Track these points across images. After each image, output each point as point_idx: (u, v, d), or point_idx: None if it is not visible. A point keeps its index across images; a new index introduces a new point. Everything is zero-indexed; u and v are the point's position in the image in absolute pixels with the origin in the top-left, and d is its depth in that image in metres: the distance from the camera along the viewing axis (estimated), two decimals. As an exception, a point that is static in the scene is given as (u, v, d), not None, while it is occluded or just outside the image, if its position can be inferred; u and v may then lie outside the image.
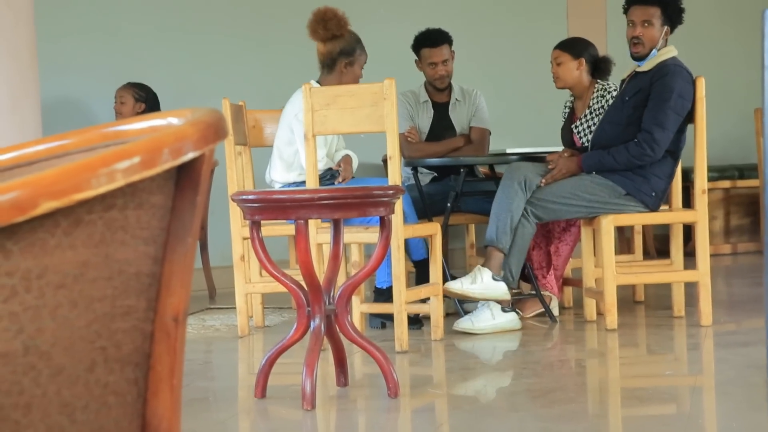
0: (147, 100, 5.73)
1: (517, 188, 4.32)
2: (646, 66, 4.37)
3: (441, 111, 5.15)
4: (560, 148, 4.99)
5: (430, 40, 5.05)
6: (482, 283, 4.25)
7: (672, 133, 4.30)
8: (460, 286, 4.23)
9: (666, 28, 4.39)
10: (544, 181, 4.40)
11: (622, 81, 4.52)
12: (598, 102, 4.80)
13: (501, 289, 4.30)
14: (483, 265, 4.32)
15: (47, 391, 1.03)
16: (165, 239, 1.11)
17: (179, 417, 1.14)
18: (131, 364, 1.10)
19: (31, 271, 1.00)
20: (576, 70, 4.78)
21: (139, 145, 1.06)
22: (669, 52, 4.38)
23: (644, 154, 4.29)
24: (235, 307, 4.65)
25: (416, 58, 5.13)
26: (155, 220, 1.10)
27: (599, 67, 4.80)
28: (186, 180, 1.12)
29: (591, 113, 4.81)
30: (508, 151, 5.10)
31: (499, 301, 4.35)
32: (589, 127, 4.82)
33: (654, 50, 4.38)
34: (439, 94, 5.18)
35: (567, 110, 4.99)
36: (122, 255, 1.07)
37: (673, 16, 4.39)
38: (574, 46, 4.80)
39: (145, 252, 1.09)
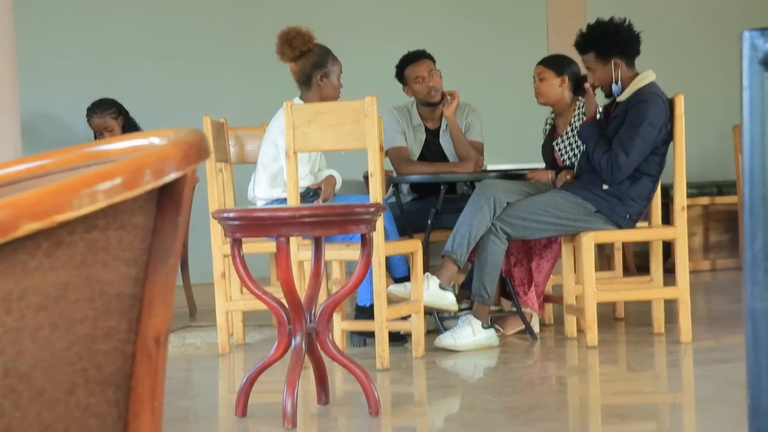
0: (120, 111, 5.70)
1: (483, 204, 4.34)
2: (624, 95, 4.41)
3: (432, 137, 5.13)
4: (540, 165, 5.01)
5: (410, 57, 5.06)
6: (428, 290, 4.26)
7: (636, 160, 4.33)
8: (402, 289, 4.24)
9: (613, 61, 4.39)
10: (529, 174, 4.46)
11: (605, 107, 4.56)
12: (579, 119, 4.82)
13: (447, 299, 4.32)
14: (433, 273, 4.34)
15: (27, 414, 1.02)
16: (146, 260, 1.11)
17: (160, 438, 1.14)
18: (112, 386, 1.09)
19: (12, 293, 1.00)
20: (559, 87, 4.81)
21: (121, 166, 1.06)
22: (645, 78, 4.39)
23: (607, 171, 4.34)
24: (215, 325, 4.63)
25: (403, 85, 5.08)
26: (137, 241, 1.09)
27: (581, 85, 4.83)
28: (168, 200, 1.12)
29: (572, 130, 4.84)
30: (488, 167, 5.11)
31: (479, 317, 4.36)
32: (570, 144, 4.85)
33: (615, 85, 4.39)
34: (431, 119, 5.12)
35: (548, 127, 5.01)
36: (104, 276, 1.07)
37: (608, 51, 4.38)
38: (558, 63, 4.83)
39: (127, 273, 1.09)
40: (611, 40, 4.38)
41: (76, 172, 1.30)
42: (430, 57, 5.05)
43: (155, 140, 1.19)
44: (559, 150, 4.89)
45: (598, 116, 4.60)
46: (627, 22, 4.44)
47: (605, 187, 4.40)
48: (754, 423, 1.19)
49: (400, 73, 5.05)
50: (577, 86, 4.85)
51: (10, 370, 1.00)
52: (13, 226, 0.97)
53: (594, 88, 4.59)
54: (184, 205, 1.13)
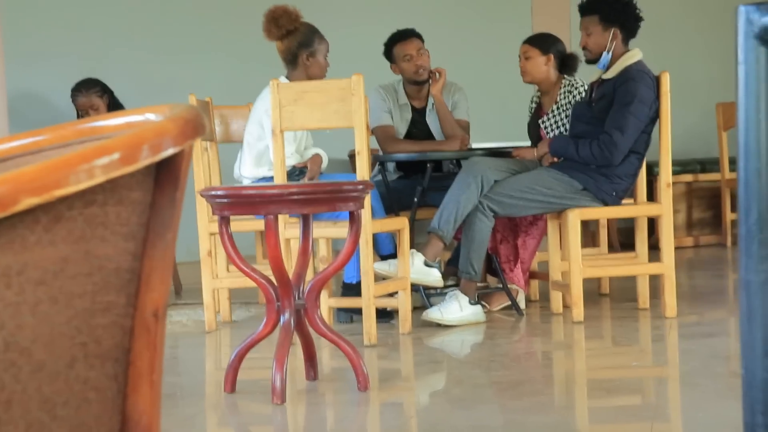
0: (105, 90, 5.66)
1: (470, 182, 4.35)
2: (610, 73, 4.42)
3: (419, 116, 5.12)
4: (526, 143, 5.02)
5: (399, 35, 5.05)
6: (413, 266, 4.28)
7: (632, 137, 4.34)
8: (387, 267, 4.26)
9: (613, 30, 4.41)
10: (514, 152, 4.49)
11: (591, 84, 4.57)
12: (565, 97, 4.83)
13: (433, 276, 4.34)
14: (418, 250, 4.35)
15: (27, 387, 1.02)
16: (145, 235, 1.11)
17: (159, 412, 1.14)
18: (111, 360, 1.10)
19: (11, 267, 1.00)
20: (544, 65, 4.81)
21: (119, 141, 1.06)
22: (633, 57, 4.41)
23: (603, 156, 4.34)
24: (201, 303, 4.64)
25: (391, 63, 5.07)
26: (135, 216, 1.10)
27: (566, 64, 4.84)
28: (165, 176, 1.12)
29: (557, 108, 4.85)
30: (474, 146, 5.11)
31: (466, 293, 4.38)
32: (556, 122, 4.86)
33: (606, 54, 4.41)
34: (418, 97, 5.12)
35: (534, 105, 5.02)
36: (102, 251, 1.07)
37: (614, 18, 4.40)
38: (543, 42, 4.83)
39: (125, 248, 1.09)
40: (619, 8, 4.41)
41: (70, 148, 1.29)
42: (418, 36, 5.04)
43: (151, 116, 1.19)
44: (545, 128, 4.90)
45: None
46: (636, 2, 4.46)
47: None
48: (749, 395, 1.21)
49: (389, 50, 5.04)
50: (563, 64, 4.85)
51: (10, 344, 1.00)
52: (12, 201, 0.97)
53: (583, 51, 4.54)
54: (181, 180, 1.13)
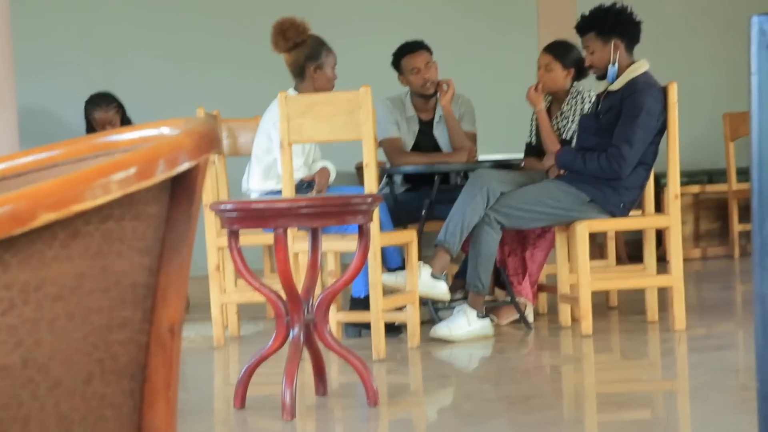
0: (120, 105, 5.67)
1: (476, 194, 4.35)
2: (617, 84, 4.42)
3: (426, 128, 5.13)
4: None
5: (408, 47, 5.04)
6: (420, 279, 4.26)
7: (640, 150, 4.34)
8: (394, 279, 4.25)
9: (614, 42, 4.40)
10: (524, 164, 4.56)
11: (598, 96, 4.56)
12: (568, 104, 4.84)
13: (440, 289, 4.33)
14: (426, 263, 4.35)
15: (45, 404, 1.02)
16: (160, 250, 1.11)
17: (175, 428, 1.14)
18: (127, 376, 1.09)
19: (29, 283, 1.00)
20: (563, 78, 4.82)
21: (135, 156, 1.06)
22: (639, 68, 4.41)
23: (611, 169, 4.33)
24: (210, 318, 4.63)
25: (399, 74, 5.07)
26: (151, 230, 1.10)
27: (582, 72, 4.85)
28: (181, 190, 1.12)
29: (561, 115, 4.86)
30: (481, 158, 5.11)
31: (474, 307, 4.37)
32: (559, 129, 4.86)
33: (612, 66, 4.41)
34: (425, 110, 5.12)
35: (534, 124, 5.02)
36: (119, 266, 1.07)
37: (610, 29, 4.40)
38: (567, 55, 4.81)
39: (141, 263, 1.09)
40: (614, 19, 4.40)
41: (85, 163, 1.30)
42: (427, 48, 5.04)
43: (166, 130, 1.19)
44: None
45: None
46: (629, 8, 4.46)
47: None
48: (764, 407, 1.20)
49: (397, 62, 5.04)
50: (579, 72, 4.85)
51: (28, 360, 1.00)
52: (30, 217, 0.97)
53: (589, 69, 4.55)
54: (197, 195, 1.13)
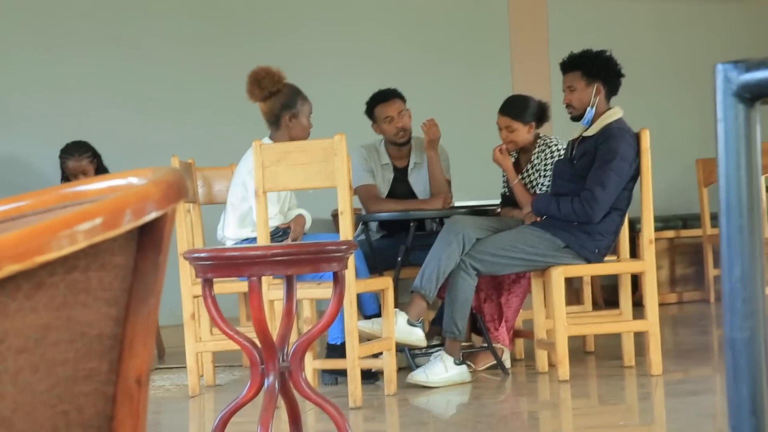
0: (95, 155, 5.64)
1: (452, 240, 4.36)
2: (591, 130, 4.46)
3: (400, 175, 5.14)
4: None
5: (382, 95, 5.07)
6: (396, 326, 4.25)
7: (613, 194, 4.37)
8: (371, 326, 4.24)
9: (596, 85, 4.46)
10: (502, 211, 4.56)
11: (571, 142, 4.60)
12: (538, 157, 4.87)
13: (416, 335, 4.33)
14: (402, 309, 4.34)
15: (8, 458, 1.00)
16: (127, 300, 1.10)
17: (142, 481, 1.13)
18: (93, 428, 1.08)
19: (-8, 335, 0.99)
20: (527, 133, 4.85)
21: (101, 206, 1.05)
22: (614, 115, 4.46)
23: (584, 212, 4.35)
24: (185, 367, 4.59)
25: (372, 122, 5.09)
26: (117, 281, 1.09)
27: (541, 118, 4.89)
28: (148, 240, 1.11)
29: (532, 167, 4.89)
30: (456, 204, 5.12)
31: (451, 354, 4.36)
32: (531, 181, 4.89)
33: (590, 109, 4.45)
34: (399, 157, 5.14)
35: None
36: (84, 317, 1.06)
37: (596, 72, 4.45)
38: (522, 112, 4.83)
39: (108, 313, 1.08)
40: (601, 63, 4.46)
41: (53, 213, 1.29)
42: (400, 96, 5.07)
43: (134, 180, 1.19)
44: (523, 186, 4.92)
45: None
46: (616, 60, 4.52)
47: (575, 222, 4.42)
48: (736, 453, 1.19)
49: (370, 110, 5.06)
50: (539, 120, 4.89)
51: (-10, 414, 0.98)
52: (-7, 268, 0.96)
53: (566, 108, 4.56)
54: (164, 244, 1.12)
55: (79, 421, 1.06)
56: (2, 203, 1.32)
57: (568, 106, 4.53)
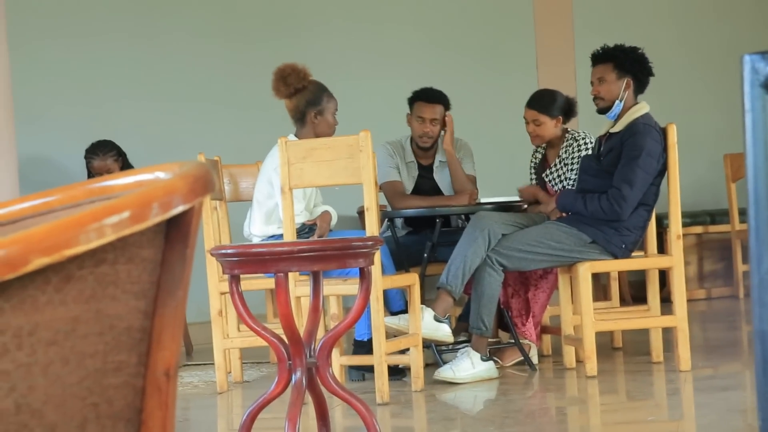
0: (120, 153, 5.69)
1: (477, 236, 4.35)
2: (618, 126, 4.43)
3: (425, 173, 5.13)
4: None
5: (426, 95, 5.03)
6: (423, 322, 4.25)
7: (641, 191, 4.34)
8: (397, 321, 4.24)
9: (626, 80, 4.43)
10: (530, 208, 4.59)
11: (599, 138, 4.58)
12: (566, 151, 4.85)
13: (443, 331, 4.32)
14: (428, 306, 4.33)
15: (39, 449, 1.01)
16: (155, 293, 1.11)
17: (171, 473, 1.13)
18: (123, 420, 1.09)
19: (23, 328, 1.00)
20: (554, 127, 4.84)
21: (128, 200, 1.06)
22: (640, 110, 4.43)
23: (612, 210, 4.33)
24: (212, 363, 4.61)
25: (409, 112, 5.08)
26: (145, 274, 1.10)
27: (569, 113, 4.88)
28: (176, 233, 1.12)
29: (560, 161, 4.87)
30: (482, 200, 5.12)
31: (477, 350, 4.35)
32: (559, 176, 4.87)
33: (618, 102, 4.43)
34: (425, 155, 5.13)
35: (535, 161, 5.04)
36: (113, 310, 1.07)
37: (628, 67, 4.43)
38: (549, 106, 4.82)
39: (136, 306, 1.09)
40: (633, 57, 4.45)
41: (80, 208, 1.30)
42: (444, 103, 5.00)
43: (161, 174, 1.19)
44: (550, 181, 4.91)
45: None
46: (648, 59, 4.49)
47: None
48: (765, 445, 1.19)
49: (412, 101, 5.05)
50: (566, 115, 4.87)
51: (21, 405, 0.99)
52: (23, 261, 0.97)
53: (594, 99, 4.53)
54: (191, 237, 1.13)
55: (109, 413, 1.07)
56: (31, 198, 1.34)
57: (595, 98, 4.50)
